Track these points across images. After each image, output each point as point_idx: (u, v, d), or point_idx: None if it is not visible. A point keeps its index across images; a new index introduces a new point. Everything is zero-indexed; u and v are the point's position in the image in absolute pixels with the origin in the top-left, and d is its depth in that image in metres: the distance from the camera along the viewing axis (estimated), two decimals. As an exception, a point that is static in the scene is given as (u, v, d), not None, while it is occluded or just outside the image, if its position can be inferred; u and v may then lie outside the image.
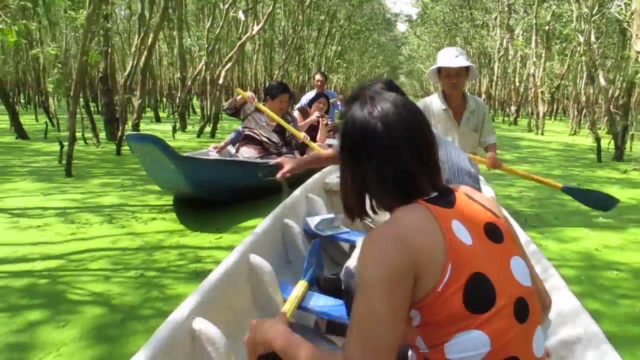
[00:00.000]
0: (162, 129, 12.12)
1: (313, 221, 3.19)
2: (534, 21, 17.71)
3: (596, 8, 12.09)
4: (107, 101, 10.04)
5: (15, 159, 7.52)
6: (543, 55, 18.12)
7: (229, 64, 12.15)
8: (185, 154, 4.75)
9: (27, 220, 4.37)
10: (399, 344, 1.07)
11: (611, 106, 10.89)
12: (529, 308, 1.13)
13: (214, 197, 4.96)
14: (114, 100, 10.15)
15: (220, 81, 11.75)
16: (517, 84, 23.07)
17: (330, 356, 1.12)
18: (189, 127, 13.20)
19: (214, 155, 5.84)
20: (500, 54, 23.63)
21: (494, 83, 25.86)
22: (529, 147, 12.32)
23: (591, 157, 10.23)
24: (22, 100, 18.96)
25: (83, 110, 9.68)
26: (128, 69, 10.06)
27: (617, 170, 8.72)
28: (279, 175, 2.47)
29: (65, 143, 6.98)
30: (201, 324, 1.64)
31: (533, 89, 18.22)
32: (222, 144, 6.17)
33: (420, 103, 4.02)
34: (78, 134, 8.54)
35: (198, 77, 14.18)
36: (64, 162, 6.83)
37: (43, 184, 5.82)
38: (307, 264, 2.47)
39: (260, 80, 23.55)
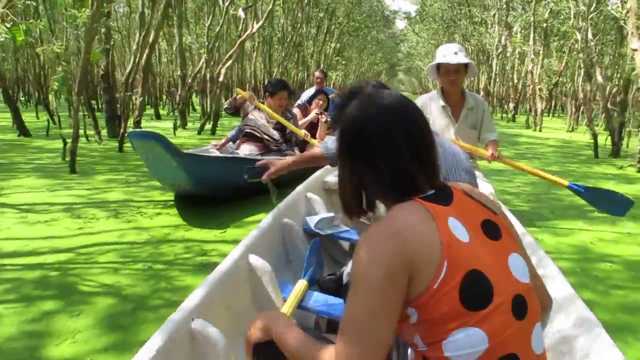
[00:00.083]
0: (163, 126, 12.21)
1: (312, 220, 3.20)
2: (532, 18, 17.81)
3: (594, 6, 12.21)
4: (109, 99, 10.12)
5: (19, 156, 7.61)
6: (541, 52, 18.22)
7: (229, 62, 12.23)
8: (186, 151, 4.82)
9: (35, 215, 4.47)
10: (390, 341, 1.08)
11: (609, 103, 11.00)
12: (527, 305, 1.13)
13: (215, 194, 5.01)
14: (115, 97, 10.24)
15: (221, 79, 11.84)
16: (516, 81, 23.16)
17: (322, 348, 1.13)
18: (189, 125, 13.29)
19: (214, 152, 5.89)
20: (499, 51, 23.72)
21: (492, 80, 25.94)
22: (526, 143, 12.43)
23: (588, 154, 10.34)
24: (21, 98, 19.02)
25: (84, 107, 9.76)
26: (129, 67, 10.15)
27: (613, 166, 8.83)
28: (264, 176, 2.49)
29: (69, 140, 7.09)
30: (201, 325, 1.64)
31: (531, 86, 18.34)
32: (223, 141, 6.21)
33: (419, 100, 4.08)
34: (80, 131, 8.60)
35: (198, 75, 14.26)
36: (67, 159, 6.93)
37: (48, 180, 5.91)
38: (307, 264, 2.47)
39: (259, 78, 23.60)
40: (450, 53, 3.63)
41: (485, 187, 3.62)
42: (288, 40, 20.51)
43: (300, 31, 22.15)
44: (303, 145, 6.24)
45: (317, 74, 8.34)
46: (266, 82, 7.77)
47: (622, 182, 7.24)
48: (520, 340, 1.11)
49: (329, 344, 1.13)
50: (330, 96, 7.46)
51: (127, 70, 10.14)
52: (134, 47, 10.38)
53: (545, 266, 2.42)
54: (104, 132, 9.92)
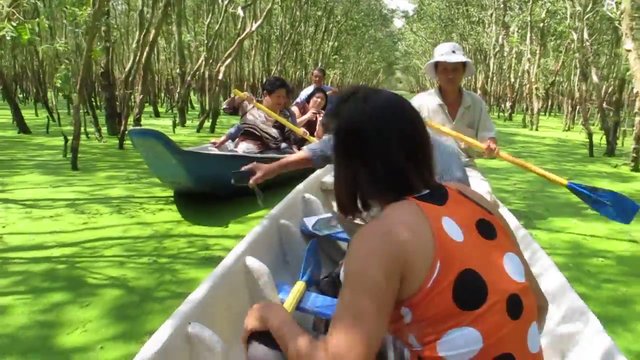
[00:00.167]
0: (162, 124, 12.28)
1: (310, 221, 3.18)
2: (529, 18, 17.93)
3: (589, 6, 12.32)
4: (109, 96, 10.19)
5: (20, 152, 7.67)
6: (538, 52, 18.35)
7: (228, 60, 12.31)
8: (186, 149, 4.88)
9: (39, 210, 4.55)
10: (381, 339, 1.08)
11: (605, 102, 11.12)
12: (522, 304, 1.13)
13: (215, 192, 5.04)
14: (114, 95, 10.31)
15: (220, 77, 11.92)
16: (512, 80, 23.30)
17: (315, 342, 1.12)
18: (188, 122, 13.36)
19: (213, 150, 5.95)
20: (496, 50, 23.85)
21: (489, 79, 26.08)
22: (523, 142, 12.54)
23: (583, 152, 10.45)
24: (19, 95, 19.06)
25: (85, 105, 9.83)
26: (129, 65, 10.23)
27: (608, 164, 8.95)
28: (251, 181, 2.49)
29: (70, 137, 7.17)
30: (197, 329, 1.63)
31: (528, 85, 18.46)
32: (222, 139, 6.26)
33: (416, 98, 4.08)
34: (81, 128, 8.69)
35: (197, 73, 14.33)
36: (68, 155, 7.01)
37: (50, 176, 5.98)
38: (305, 265, 2.45)
39: (257, 76, 23.69)
40: (448, 51, 3.64)
41: (482, 186, 3.65)
42: (287, 38, 20.58)
43: (299, 30, 22.22)
44: (302, 143, 6.30)
45: (315, 72, 8.43)
46: (264, 80, 7.84)
47: (616, 180, 7.35)
48: (515, 339, 1.11)
49: (318, 342, 1.13)
50: (327, 93, 7.55)
51: (127, 68, 10.22)
52: (134, 45, 10.46)
53: (539, 259, 2.53)
54: (103, 129, 9.99)
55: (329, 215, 3.31)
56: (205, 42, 13.67)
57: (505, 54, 24.21)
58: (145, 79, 9.49)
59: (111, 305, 2.79)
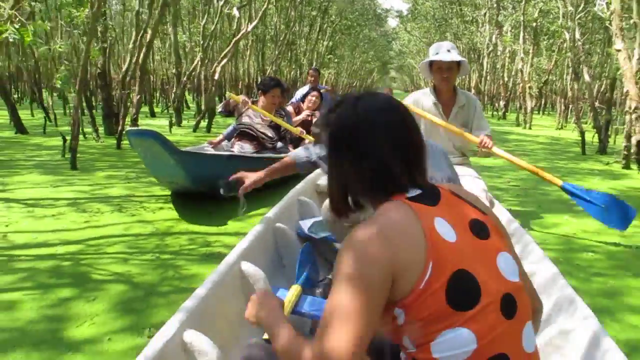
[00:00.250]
0: (158, 124, 12.33)
1: (306, 224, 3.15)
2: (522, 18, 18.08)
3: (581, 6, 12.46)
4: (105, 96, 10.26)
5: (18, 153, 7.72)
6: (531, 51, 18.49)
7: (224, 61, 12.39)
8: (183, 149, 4.92)
9: (41, 209, 4.62)
10: (369, 340, 1.08)
11: (597, 101, 11.26)
12: (516, 304, 1.13)
13: (212, 191, 5.08)
14: (111, 95, 10.37)
15: (216, 77, 12.00)
16: (506, 79, 23.45)
17: (300, 341, 1.14)
18: (184, 122, 13.41)
19: (210, 150, 5.99)
20: (490, 49, 24.00)
21: (483, 78, 26.22)
22: (516, 140, 12.68)
23: (576, 150, 10.58)
24: (14, 96, 19.04)
25: (82, 105, 9.88)
26: (126, 65, 10.28)
27: (600, 162, 9.08)
28: (241, 190, 2.52)
29: (68, 137, 7.24)
30: (193, 336, 1.61)
31: (521, 84, 18.62)
32: (218, 139, 6.30)
33: (410, 96, 4.10)
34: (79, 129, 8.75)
35: (193, 73, 14.40)
36: (67, 155, 7.09)
37: (50, 176, 6.05)
38: (300, 268, 2.45)
39: (252, 76, 23.76)
40: (443, 51, 3.65)
41: (478, 184, 3.68)
42: (281, 38, 20.65)
43: (294, 29, 22.30)
44: (298, 142, 6.38)
45: (310, 72, 8.54)
46: (259, 80, 7.93)
47: (608, 177, 7.48)
48: (510, 339, 1.11)
49: (307, 342, 1.14)
50: (321, 91, 7.63)
51: (124, 68, 10.28)
52: (130, 46, 10.52)
53: (531, 252, 2.63)
54: (100, 129, 10.04)
55: None
56: (201, 42, 13.73)
57: (499, 53, 24.37)
58: (143, 79, 9.56)
59: (117, 300, 2.87)
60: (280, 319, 1.26)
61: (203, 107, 13.25)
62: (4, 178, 5.80)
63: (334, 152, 1.30)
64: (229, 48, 12.54)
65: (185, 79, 13.89)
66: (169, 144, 4.36)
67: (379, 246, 1.08)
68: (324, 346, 1.04)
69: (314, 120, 6.78)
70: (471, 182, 3.69)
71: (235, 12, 13.66)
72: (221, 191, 2.56)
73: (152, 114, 15.69)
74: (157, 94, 23.64)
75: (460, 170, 3.82)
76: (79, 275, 3.19)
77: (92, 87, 16.16)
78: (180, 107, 13.97)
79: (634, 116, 6.67)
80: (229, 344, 1.87)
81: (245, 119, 5.79)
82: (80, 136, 9.28)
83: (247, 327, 1.94)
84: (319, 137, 2.18)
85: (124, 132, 8.31)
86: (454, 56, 3.62)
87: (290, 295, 2.21)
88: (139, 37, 9.76)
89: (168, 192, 5.39)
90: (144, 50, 9.35)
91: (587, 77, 10.93)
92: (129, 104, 9.28)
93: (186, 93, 19.38)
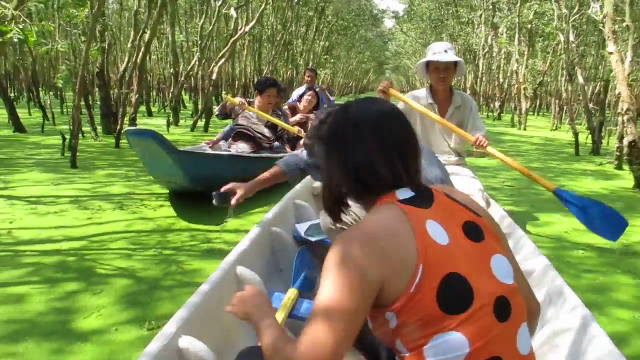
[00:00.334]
0: (156, 123, 12.41)
1: (302, 227, 3.15)
2: (517, 20, 18.21)
3: (576, 9, 12.60)
4: (104, 96, 10.34)
5: (18, 151, 7.78)
6: (526, 53, 18.63)
7: (222, 61, 12.48)
8: (182, 149, 4.97)
9: (44, 207, 4.70)
10: (353, 341, 1.10)
11: (591, 103, 11.39)
12: (510, 306, 1.13)
13: (211, 191, 5.12)
14: (110, 95, 10.44)
15: (214, 77, 12.09)
16: (502, 80, 23.57)
17: (288, 341, 1.15)
18: (182, 122, 13.49)
19: (207, 150, 6.03)
20: (485, 51, 24.14)
21: (479, 79, 26.36)
22: (511, 141, 12.80)
23: (570, 152, 10.70)
24: (11, 95, 19.05)
25: (81, 104, 9.94)
26: (124, 65, 10.37)
27: (593, 163, 9.20)
28: (233, 201, 2.55)
29: (68, 136, 7.33)
30: (188, 342, 1.60)
31: (516, 86, 18.75)
32: (215, 139, 6.35)
33: (409, 95, 4.05)
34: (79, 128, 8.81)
35: (191, 73, 14.48)
36: (66, 154, 7.17)
37: (51, 175, 6.12)
38: (296, 272, 2.45)
39: (249, 77, 23.84)
40: (440, 51, 3.65)
41: (474, 184, 3.75)
42: (278, 39, 20.74)
43: (290, 30, 22.38)
44: (295, 142, 6.46)
45: (308, 72, 8.63)
46: (256, 80, 8.00)
47: (600, 178, 7.60)
48: (504, 342, 1.11)
49: (292, 341, 1.15)
50: (317, 90, 7.71)
51: (123, 68, 10.36)
52: (129, 45, 10.59)
53: (528, 250, 2.75)
54: (98, 128, 10.11)
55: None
56: (199, 42, 13.81)
57: (495, 54, 24.49)
58: (141, 79, 9.64)
59: (122, 293, 2.97)
60: (267, 316, 1.27)
61: (201, 107, 13.33)
62: (6, 176, 5.88)
63: (325, 154, 1.33)
64: (227, 48, 12.62)
65: (183, 78, 13.97)
66: (167, 143, 4.37)
67: (367, 250, 1.09)
68: (307, 345, 1.06)
69: (310, 122, 6.84)
70: (467, 182, 3.77)
71: (232, 12, 13.74)
72: (214, 202, 2.59)
73: (150, 114, 15.75)
74: (154, 94, 23.70)
75: (456, 170, 3.93)
76: (84, 270, 3.28)
77: (89, 86, 16.20)
78: (178, 107, 14.05)
79: (626, 118, 6.77)
80: (225, 349, 1.86)
81: (242, 120, 5.84)
82: (79, 135, 9.39)
83: (243, 332, 1.99)
84: (312, 148, 2.26)
85: (122, 132, 8.38)
86: (451, 57, 3.63)
87: (287, 299, 2.20)
88: (137, 37, 9.84)
89: (167, 191, 5.46)
90: (142, 50, 9.43)
91: (581, 80, 11.05)
92: (128, 103, 9.36)
93: (183, 93, 19.45)
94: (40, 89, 15.92)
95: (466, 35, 28.50)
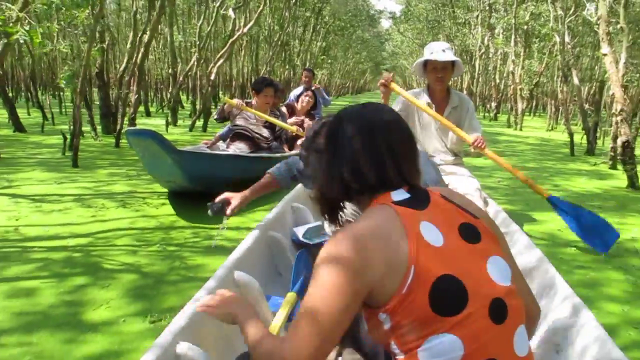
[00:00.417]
0: (154, 123, 12.48)
1: (300, 230, 3.12)
2: (513, 21, 18.35)
3: (571, 10, 12.73)
4: (103, 96, 10.42)
5: (19, 151, 7.86)
6: (522, 53, 18.77)
7: (221, 61, 12.57)
8: (181, 149, 5.02)
9: (48, 205, 4.79)
10: (337, 340, 1.12)
11: (587, 103, 11.52)
12: (506, 308, 1.12)
13: (210, 191, 5.11)
14: (109, 94, 10.53)
15: (212, 77, 12.18)
16: (498, 81, 23.73)
17: (274, 339, 1.18)
18: (180, 122, 13.57)
19: (205, 151, 6.05)
20: (482, 51, 24.24)
21: (475, 80, 26.47)
22: (506, 141, 12.94)
23: (565, 152, 10.82)
24: (9, 95, 19.07)
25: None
26: (123, 65, 10.46)
27: (587, 163, 9.32)
28: (228, 211, 2.56)
29: (68, 136, 7.42)
30: (186, 349, 1.58)
31: (512, 86, 18.90)
32: (213, 140, 6.40)
33: (410, 92, 4.04)
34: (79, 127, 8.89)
35: (190, 73, 14.56)
36: (67, 153, 7.26)
37: (53, 173, 6.21)
38: (294, 275, 2.44)
39: (246, 77, 23.93)
40: (438, 50, 3.65)
41: (471, 183, 3.82)
42: (275, 39, 20.82)
43: (287, 30, 22.46)
44: (292, 142, 6.55)
45: (305, 72, 8.73)
46: (253, 80, 8.08)
47: (594, 177, 7.72)
48: (500, 344, 1.10)
49: (278, 338, 1.19)
50: (312, 89, 7.81)
51: (122, 68, 10.45)
52: (128, 46, 10.68)
53: (518, 240, 2.85)
54: (98, 128, 10.18)
55: (319, 223, 3.25)
56: (198, 43, 13.90)
57: (491, 55, 24.63)
58: (141, 79, 9.73)
59: (129, 287, 3.07)
60: (252, 316, 1.29)
61: (199, 107, 13.41)
62: (9, 175, 5.96)
63: (317, 159, 1.35)
64: (225, 49, 12.73)
65: (181, 78, 14.05)
66: (166, 143, 4.40)
67: (353, 251, 1.10)
68: (293, 342, 1.10)
69: (304, 124, 6.90)
70: (464, 181, 3.84)
71: (231, 13, 13.83)
72: (209, 213, 2.61)
73: (148, 114, 15.82)
74: (152, 94, 23.75)
75: (453, 169, 4.02)
76: (91, 265, 3.38)
77: (88, 86, 16.25)
78: (176, 107, 14.14)
79: (619, 118, 6.89)
80: (223, 355, 1.85)
81: (240, 121, 5.89)
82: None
83: (241, 338, 1.99)
84: (307, 159, 2.34)
85: (122, 131, 8.46)
86: (449, 56, 3.64)
87: (285, 302, 2.19)
88: (137, 38, 9.93)
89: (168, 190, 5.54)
90: (142, 50, 9.52)
91: (576, 80, 11.18)
92: (128, 103, 9.44)
93: (180, 93, 19.52)
94: (39, 89, 15.97)
95: (462, 36, 28.64)
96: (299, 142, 6.62)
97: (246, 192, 2.66)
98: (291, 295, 2.25)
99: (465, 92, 25.54)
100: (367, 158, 1.25)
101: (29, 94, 16.04)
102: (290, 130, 6.14)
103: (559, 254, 4.04)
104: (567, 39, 11.76)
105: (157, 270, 3.35)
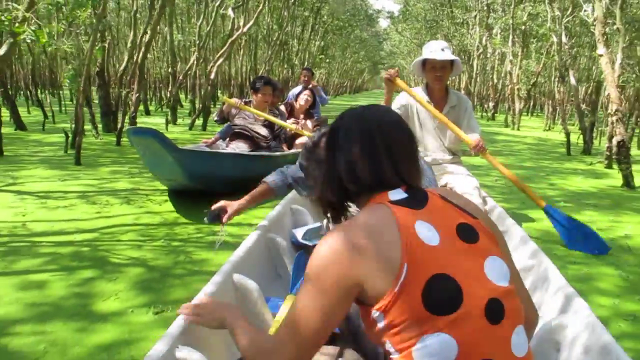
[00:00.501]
0: (154, 122, 12.55)
1: (299, 232, 3.11)
2: (511, 21, 18.45)
3: (569, 10, 12.84)
4: (104, 94, 10.52)
5: (21, 149, 7.94)
6: (519, 53, 18.87)
7: (220, 60, 12.66)
8: (182, 147, 5.08)
9: (53, 201, 4.88)
10: (325, 339, 1.15)
11: (584, 103, 11.63)
12: (504, 309, 1.11)
13: (210, 189, 5.04)
14: (109, 93, 10.62)
15: (212, 76, 12.27)
16: (495, 80, 23.82)
17: (263, 338, 1.22)
18: (179, 121, 13.65)
19: (205, 149, 6.07)
20: (479, 51, 24.32)
21: (473, 80, 26.57)
22: (504, 141, 13.03)
23: (562, 151, 10.92)
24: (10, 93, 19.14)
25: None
26: (123, 64, 10.55)
27: (583, 162, 9.42)
28: (224, 219, 2.60)
29: (70, 134, 7.51)
30: (186, 354, 1.56)
31: (510, 86, 19.00)
32: (213, 139, 6.45)
33: (402, 95, 4.08)
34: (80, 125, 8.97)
35: (189, 72, 14.65)
36: (69, 151, 7.35)
37: (56, 171, 6.30)
38: (294, 277, 2.44)
39: (244, 76, 24.01)
40: (437, 49, 3.67)
41: (470, 181, 3.87)
42: (274, 38, 20.90)
43: (286, 30, 22.54)
44: (291, 141, 6.62)
45: (304, 72, 8.81)
46: (251, 80, 8.16)
47: (590, 176, 7.82)
48: (496, 345, 1.09)
49: (268, 337, 1.23)
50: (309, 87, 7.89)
51: (122, 67, 10.54)
52: (129, 45, 10.77)
53: (509, 231, 2.94)
54: (99, 127, 10.27)
55: (318, 224, 3.25)
56: (197, 42, 13.99)
57: (489, 55, 24.74)
58: (141, 78, 9.81)
59: (136, 280, 3.16)
60: (240, 318, 1.32)
61: (199, 106, 13.50)
62: (13, 172, 6.05)
63: (317, 163, 1.45)
64: (225, 48, 12.82)
65: (180, 77, 14.13)
66: (168, 142, 4.45)
67: (342, 249, 1.12)
68: (283, 339, 1.14)
69: (300, 124, 6.96)
70: (463, 179, 3.91)
71: (230, 12, 13.92)
72: (205, 220, 2.65)
73: (147, 112, 15.89)
74: (151, 93, 23.81)
75: (452, 168, 4.11)
76: (98, 259, 3.47)
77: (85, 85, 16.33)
78: (175, 106, 14.23)
79: (614, 118, 7.00)
80: (223, 359, 1.85)
81: (239, 120, 5.94)
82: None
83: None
84: (308, 169, 2.40)
85: (124, 130, 8.54)
86: (448, 55, 3.66)
87: (285, 305, 2.18)
88: (138, 37, 10.01)
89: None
90: (142, 50, 9.60)
91: (573, 81, 11.29)
92: (128, 101, 9.53)
93: (179, 92, 19.59)
94: (38, 87, 16.07)
95: (460, 36, 28.74)
96: (298, 141, 6.71)
97: (242, 201, 2.69)
98: (291, 297, 2.26)
99: (463, 91, 25.61)
100: (364, 159, 1.26)
101: (28, 92, 16.14)
102: (289, 129, 6.21)
103: (553, 250, 4.13)
104: (564, 39, 11.87)
105: (163, 264, 3.44)
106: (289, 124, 6.66)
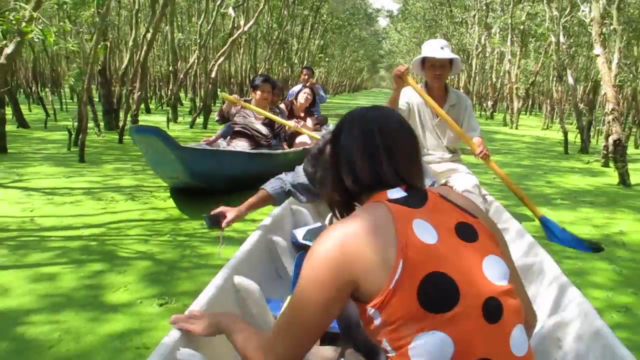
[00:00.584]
0: (155, 120, 12.64)
1: (300, 233, 3.12)
2: (510, 20, 18.55)
3: (567, 10, 12.94)
4: (106, 93, 10.61)
5: (25, 146, 8.02)
6: (518, 53, 18.98)
7: (221, 59, 12.75)
8: (183, 145, 5.14)
9: (60, 197, 4.97)
10: (318, 337, 1.16)
11: (582, 102, 11.74)
12: (502, 308, 1.10)
13: (212, 187, 5.18)
14: (111, 91, 10.72)
15: (213, 75, 12.36)
16: (494, 80, 23.92)
17: (258, 337, 1.24)
18: (180, 119, 13.73)
19: (208, 147, 6.23)
20: (478, 50, 24.41)
21: (472, 79, 26.66)
22: (502, 140, 13.13)
23: (559, 150, 11.04)
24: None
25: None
26: (125, 62, 10.65)
27: (580, 161, 9.53)
28: (223, 224, 2.60)
29: (73, 131, 7.60)
30: (187, 356, 1.55)
31: (509, 85, 19.10)
32: (214, 137, 6.43)
33: (404, 91, 3.99)
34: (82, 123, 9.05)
35: (190, 71, 14.74)
36: (72, 149, 7.44)
37: (61, 168, 6.38)
38: (295, 278, 2.41)
39: (244, 74, 24.09)
40: (436, 48, 3.64)
41: (470, 179, 3.91)
42: (274, 37, 20.98)
43: (285, 28, 22.62)
44: (291, 139, 6.69)
45: (304, 70, 8.89)
46: (251, 78, 8.21)
47: (587, 175, 7.93)
48: (494, 344, 1.08)
49: (263, 334, 1.25)
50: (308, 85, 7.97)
51: (124, 65, 10.64)
52: (130, 43, 10.86)
53: (509, 229, 3.02)
54: (101, 124, 10.35)
55: (319, 224, 3.28)
56: (198, 41, 14.07)
57: (488, 54, 24.84)
58: (144, 77, 9.90)
59: (144, 273, 3.26)
60: (236, 321, 1.36)
61: (199, 104, 13.58)
62: (19, 169, 6.14)
63: (324, 166, 1.46)
64: (226, 47, 12.90)
65: (181, 76, 14.22)
66: (170, 140, 4.48)
67: (335, 247, 1.12)
68: (278, 338, 1.17)
69: (302, 124, 7.02)
70: (463, 178, 3.96)
71: (231, 11, 14.00)
72: (205, 225, 2.67)
73: (148, 110, 15.95)
74: (151, 91, 23.88)
75: (452, 167, 4.18)
76: (106, 253, 3.57)
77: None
78: (176, 104, 14.32)
79: (611, 117, 7.10)
80: None
81: (239, 119, 5.99)
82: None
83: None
84: (313, 175, 2.45)
85: (126, 128, 8.63)
86: (447, 53, 3.64)
87: (285, 306, 2.20)
88: (140, 36, 10.10)
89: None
90: (144, 48, 9.69)
91: (570, 80, 11.39)
92: (130, 100, 9.62)
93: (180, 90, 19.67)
94: (39, 85, 16.17)
95: (459, 35, 28.84)
96: (298, 139, 6.79)
97: (241, 207, 2.70)
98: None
99: (462, 90, 25.66)
100: (364, 159, 1.27)
101: (29, 90, 16.22)
102: (289, 127, 6.28)
103: (549, 244, 4.23)
104: (562, 39, 11.98)
105: (170, 258, 3.54)
106: (289, 122, 6.74)
